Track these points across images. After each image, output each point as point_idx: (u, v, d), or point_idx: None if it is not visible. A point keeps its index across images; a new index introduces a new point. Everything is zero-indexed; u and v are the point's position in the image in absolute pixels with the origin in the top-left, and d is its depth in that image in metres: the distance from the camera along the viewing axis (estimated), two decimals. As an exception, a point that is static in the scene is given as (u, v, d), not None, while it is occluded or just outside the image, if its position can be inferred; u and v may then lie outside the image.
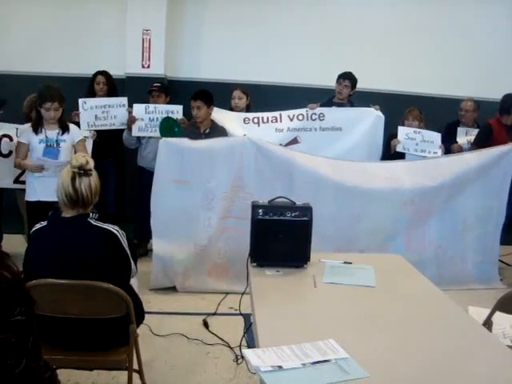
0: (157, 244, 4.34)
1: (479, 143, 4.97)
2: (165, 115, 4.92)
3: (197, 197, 4.31)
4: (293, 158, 4.40)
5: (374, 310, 2.14)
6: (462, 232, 4.68)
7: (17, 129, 4.57)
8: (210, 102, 4.76)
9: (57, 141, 4.12)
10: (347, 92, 5.23)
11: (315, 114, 5.08)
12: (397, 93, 6.24)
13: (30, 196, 4.15)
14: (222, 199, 4.30)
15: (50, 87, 4.11)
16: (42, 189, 4.06)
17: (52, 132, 4.12)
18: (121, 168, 5.61)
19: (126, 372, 2.56)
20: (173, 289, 4.39)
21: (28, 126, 4.14)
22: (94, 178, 2.45)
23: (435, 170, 4.58)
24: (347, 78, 5.18)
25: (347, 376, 1.54)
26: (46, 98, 4.03)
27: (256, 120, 5.05)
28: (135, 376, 2.77)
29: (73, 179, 2.39)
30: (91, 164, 2.46)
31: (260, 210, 2.63)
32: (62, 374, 2.83)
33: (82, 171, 2.41)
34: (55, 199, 4.07)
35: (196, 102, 4.71)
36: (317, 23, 6.35)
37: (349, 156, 5.01)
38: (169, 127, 4.78)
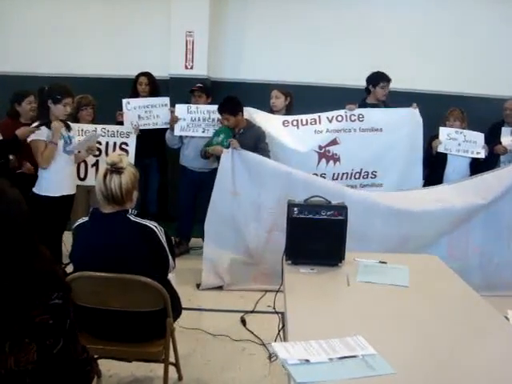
0: (207, 247, 4.50)
1: None
2: (206, 115, 5.00)
3: (247, 208, 4.46)
4: (344, 193, 4.36)
5: (405, 310, 2.14)
6: (508, 239, 4.58)
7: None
8: (236, 111, 4.72)
9: (69, 137, 4.16)
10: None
11: (354, 114, 5.03)
12: (439, 93, 6.11)
13: (53, 191, 4.07)
14: (268, 214, 4.41)
15: (61, 84, 4.15)
16: (65, 183, 4.15)
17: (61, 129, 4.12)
18: (164, 167, 5.73)
19: (163, 365, 2.64)
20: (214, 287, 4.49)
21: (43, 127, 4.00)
22: (125, 177, 2.48)
23: (485, 188, 4.50)
24: (389, 80, 5.12)
25: (373, 372, 1.57)
26: (68, 93, 4.07)
27: (295, 123, 5.04)
28: (172, 369, 2.85)
29: (105, 176, 2.47)
30: (124, 162, 2.51)
31: (295, 209, 2.67)
32: (103, 365, 2.96)
33: (114, 169, 2.48)
34: (73, 192, 4.23)
35: (222, 115, 4.74)
36: (357, 23, 6.31)
37: (388, 157, 5.03)
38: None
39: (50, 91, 4.06)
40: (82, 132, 4.75)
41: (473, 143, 5.00)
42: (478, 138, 5.02)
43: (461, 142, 5.00)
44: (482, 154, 5.00)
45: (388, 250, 4.22)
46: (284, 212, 4.28)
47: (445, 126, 5.10)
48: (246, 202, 4.46)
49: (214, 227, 4.47)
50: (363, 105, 5.23)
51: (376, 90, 5.17)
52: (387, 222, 4.37)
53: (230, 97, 4.81)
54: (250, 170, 4.46)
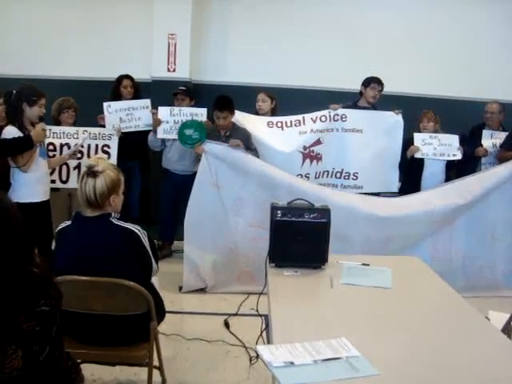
0: (188, 248, 4.46)
1: (508, 148, 4.93)
2: (189, 118, 4.95)
3: (228, 202, 4.45)
4: (326, 196, 4.35)
5: (388, 311, 2.16)
6: (490, 242, 4.64)
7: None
8: (234, 109, 4.77)
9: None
10: (378, 97, 5.21)
11: (337, 114, 5.04)
12: (420, 96, 6.16)
13: (31, 197, 3.87)
14: (252, 208, 4.41)
15: (31, 85, 3.99)
16: (39, 188, 3.98)
17: None
18: (146, 170, 5.70)
19: (146, 368, 2.62)
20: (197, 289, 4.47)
21: (13, 127, 3.82)
22: (101, 180, 2.45)
23: (466, 189, 4.55)
24: (381, 84, 5.15)
25: (357, 373, 1.58)
26: (41, 94, 3.92)
27: (280, 124, 5.05)
28: (156, 373, 2.84)
29: (82, 179, 2.47)
30: (101, 166, 2.48)
31: (279, 212, 2.67)
32: (86, 369, 2.91)
33: (90, 172, 2.46)
34: (47, 198, 4.09)
35: (223, 112, 4.67)
36: (342, 26, 6.35)
37: (367, 159, 5.06)
38: (187, 136, 4.71)
39: (23, 94, 3.88)
40: (63, 135, 4.71)
41: (448, 146, 5.06)
42: (453, 140, 5.08)
43: (436, 146, 5.05)
44: (459, 156, 5.06)
45: (371, 251, 4.29)
46: (266, 211, 4.37)
47: (418, 127, 5.16)
48: (229, 199, 4.44)
49: (194, 227, 4.43)
50: (354, 107, 5.23)
51: (366, 91, 5.18)
52: (370, 224, 4.40)
53: (224, 95, 4.79)
54: (235, 167, 4.44)
